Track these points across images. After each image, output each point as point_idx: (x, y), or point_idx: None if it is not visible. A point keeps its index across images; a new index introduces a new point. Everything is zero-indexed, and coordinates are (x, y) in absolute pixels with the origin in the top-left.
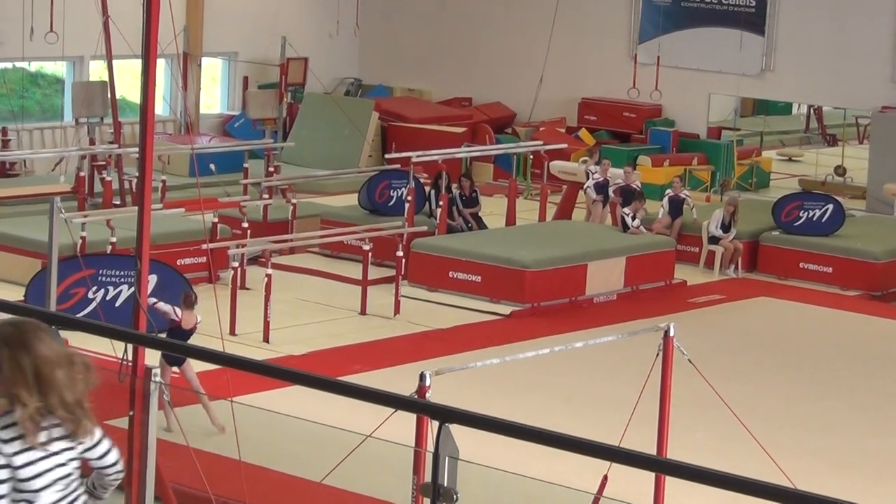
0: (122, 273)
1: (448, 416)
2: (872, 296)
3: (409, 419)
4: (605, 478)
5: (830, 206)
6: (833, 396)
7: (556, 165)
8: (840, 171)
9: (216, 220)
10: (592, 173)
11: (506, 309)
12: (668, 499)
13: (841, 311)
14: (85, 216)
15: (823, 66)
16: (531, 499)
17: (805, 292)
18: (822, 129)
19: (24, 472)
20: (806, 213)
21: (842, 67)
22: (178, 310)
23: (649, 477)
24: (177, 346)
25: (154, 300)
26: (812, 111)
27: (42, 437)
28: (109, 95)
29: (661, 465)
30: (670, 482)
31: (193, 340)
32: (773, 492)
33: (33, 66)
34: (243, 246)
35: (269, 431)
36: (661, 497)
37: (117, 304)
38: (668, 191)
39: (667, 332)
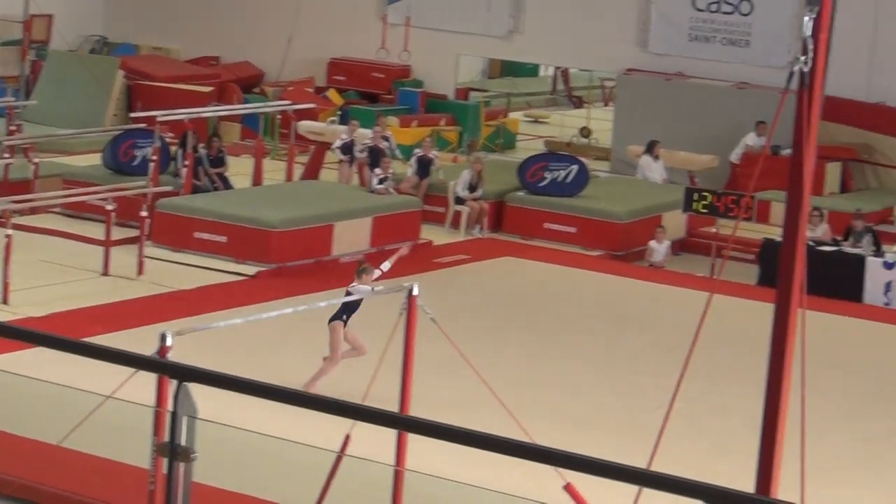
0: None
1: (186, 374)
2: (615, 255)
3: (153, 381)
4: (348, 437)
5: (575, 167)
6: (575, 355)
7: (304, 125)
8: (585, 132)
9: None
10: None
11: (251, 269)
12: (412, 457)
13: (584, 271)
14: None
15: (570, 28)
16: (275, 459)
17: (549, 252)
18: (568, 90)
19: None
20: (551, 174)
21: (588, 30)
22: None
23: (391, 435)
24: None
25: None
26: (559, 73)
27: None
28: None
29: (402, 423)
30: (413, 440)
31: None
32: (512, 447)
33: None
34: None
35: (6, 393)
36: (403, 455)
37: None
38: (418, 150)
39: (410, 292)
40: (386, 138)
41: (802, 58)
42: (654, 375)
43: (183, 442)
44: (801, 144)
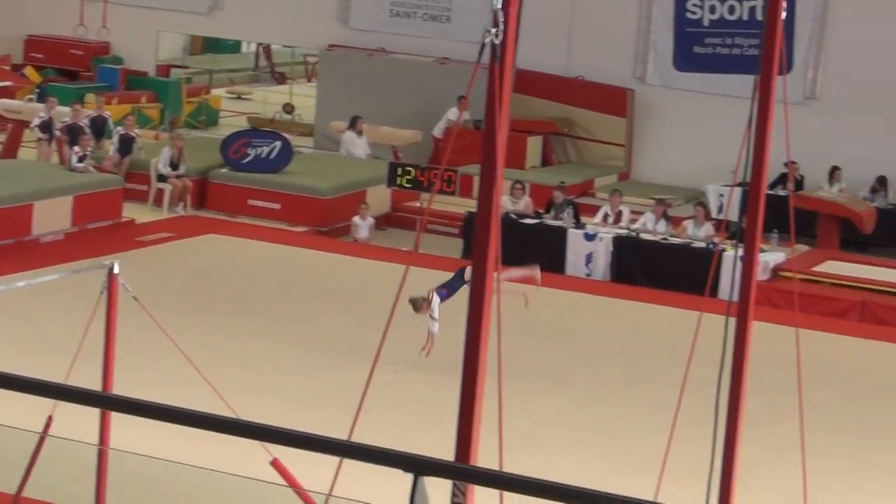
0: None
1: None
2: (319, 231)
3: None
4: (50, 418)
5: (278, 144)
6: (281, 332)
7: (1, 104)
8: (288, 108)
9: None
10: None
11: None
12: (115, 436)
13: (289, 247)
14: None
15: (271, 4)
16: None
17: (254, 229)
18: (271, 67)
19: None
20: (254, 151)
21: (289, 6)
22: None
23: (95, 415)
24: None
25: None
26: (261, 49)
27: None
28: None
29: (104, 401)
30: (118, 420)
31: None
32: (212, 423)
33: None
34: None
35: None
36: (107, 434)
37: None
38: (119, 128)
39: (111, 270)
40: (104, 118)
41: (493, 30)
42: (358, 349)
43: None
44: (493, 117)
